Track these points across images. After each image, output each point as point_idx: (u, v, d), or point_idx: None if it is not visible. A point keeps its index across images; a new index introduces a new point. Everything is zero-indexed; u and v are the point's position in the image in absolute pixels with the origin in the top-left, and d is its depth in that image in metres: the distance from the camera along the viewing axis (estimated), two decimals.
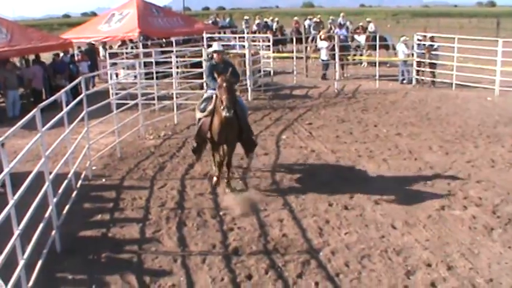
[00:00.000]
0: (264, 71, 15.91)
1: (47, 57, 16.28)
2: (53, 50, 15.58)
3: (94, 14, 64.69)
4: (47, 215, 5.41)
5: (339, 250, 5.49)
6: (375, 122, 11.19)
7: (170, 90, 12.54)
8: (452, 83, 14.50)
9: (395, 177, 7.72)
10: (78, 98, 7.74)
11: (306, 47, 18.87)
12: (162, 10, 22.67)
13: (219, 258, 5.39)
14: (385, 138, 9.89)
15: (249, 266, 5.21)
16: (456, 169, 7.97)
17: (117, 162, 8.78)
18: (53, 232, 5.56)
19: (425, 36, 15.93)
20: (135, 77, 11.99)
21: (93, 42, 18.32)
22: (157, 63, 13.85)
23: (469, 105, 12.55)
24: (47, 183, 5.45)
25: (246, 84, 13.61)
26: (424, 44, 15.16)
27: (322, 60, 17.00)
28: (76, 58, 16.45)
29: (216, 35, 20.93)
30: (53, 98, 6.90)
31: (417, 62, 15.29)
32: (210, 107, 6.94)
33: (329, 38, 16.96)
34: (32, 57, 15.53)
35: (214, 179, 7.41)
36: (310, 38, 21.04)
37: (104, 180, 7.94)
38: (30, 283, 4.69)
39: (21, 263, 4.49)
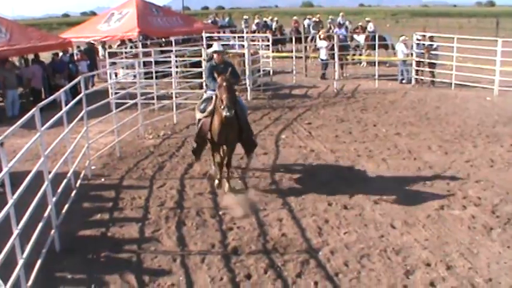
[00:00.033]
0: (263, 70, 15.90)
1: (46, 56, 16.27)
2: (52, 50, 15.56)
3: (93, 14, 64.78)
4: (46, 214, 5.41)
5: (338, 250, 5.50)
6: (374, 121, 11.19)
7: (169, 90, 12.54)
8: (451, 83, 14.49)
9: (395, 176, 7.72)
10: (78, 98, 7.74)
11: (305, 47, 18.82)
12: (162, 9, 22.62)
13: (218, 257, 5.39)
14: (384, 137, 9.89)
15: (248, 266, 5.21)
16: (455, 169, 7.97)
17: (117, 161, 8.78)
18: (52, 231, 5.57)
19: (424, 36, 15.86)
20: (135, 76, 11.98)
21: (92, 42, 18.29)
22: (157, 62, 13.82)
23: (468, 105, 12.55)
24: (46, 183, 5.44)
25: (245, 84, 13.60)
26: (424, 44, 15.13)
27: (322, 60, 16.99)
28: (75, 57, 16.41)
29: (216, 34, 20.90)
30: (52, 97, 6.87)
31: (416, 61, 15.26)
32: (210, 108, 6.92)
33: (328, 38, 16.94)
34: (31, 56, 15.52)
35: (216, 181, 7.34)
36: (309, 38, 21.04)
37: (103, 179, 7.94)
38: (30, 282, 4.69)
39: (21, 262, 4.48)
